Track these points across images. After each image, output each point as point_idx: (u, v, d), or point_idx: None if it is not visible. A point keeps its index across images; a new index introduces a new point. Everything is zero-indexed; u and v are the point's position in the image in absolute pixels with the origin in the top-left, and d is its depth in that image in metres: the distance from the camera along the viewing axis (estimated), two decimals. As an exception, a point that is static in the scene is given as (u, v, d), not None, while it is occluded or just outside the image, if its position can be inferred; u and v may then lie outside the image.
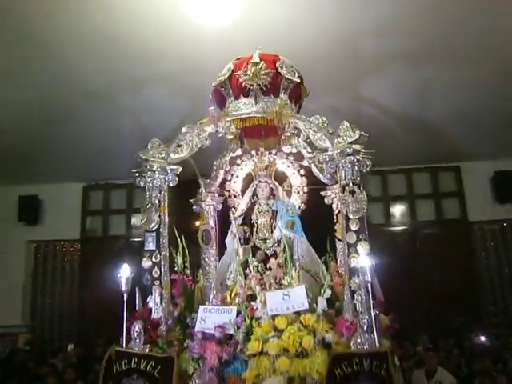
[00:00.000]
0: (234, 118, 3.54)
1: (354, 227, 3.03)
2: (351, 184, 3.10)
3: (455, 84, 5.78)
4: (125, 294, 2.95)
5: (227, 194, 4.26)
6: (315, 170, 4.10)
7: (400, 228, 9.26)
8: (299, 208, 4.10)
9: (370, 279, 2.75)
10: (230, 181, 4.27)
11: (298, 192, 4.18)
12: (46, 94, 5.74)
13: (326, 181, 4.10)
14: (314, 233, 4.01)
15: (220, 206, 4.31)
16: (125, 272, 2.98)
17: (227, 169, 4.25)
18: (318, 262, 3.57)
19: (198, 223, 4.26)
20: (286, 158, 4.17)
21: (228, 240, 3.99)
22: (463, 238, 8.90)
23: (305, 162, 4.14)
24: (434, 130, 6.94)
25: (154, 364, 2.80)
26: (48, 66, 5.24)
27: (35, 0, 4.35)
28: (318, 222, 4.17)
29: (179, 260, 3.69)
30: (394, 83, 5.64)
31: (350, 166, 3.11)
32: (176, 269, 3.66)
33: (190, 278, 3.75)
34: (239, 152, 4.19)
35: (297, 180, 4.19)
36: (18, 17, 4.48)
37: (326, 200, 4.11)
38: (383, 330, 3.10)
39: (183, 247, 3.73)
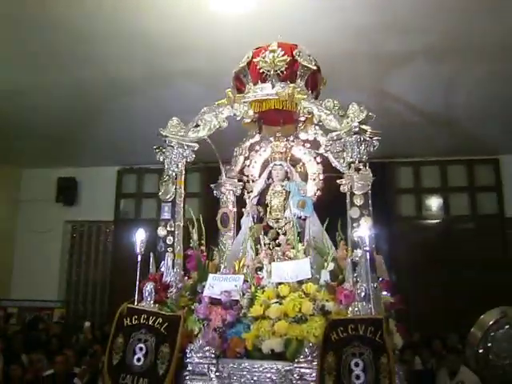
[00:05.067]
0: (251, 99, 3.73)
1: (357, 202, 3.14)
2: (357, 162, 3.21)
3: (482, 79, 5.74)
4: (139, 256, 3.16)
5: (245, 178, 4.44)
6: (331, 158, 4.22)
7: (432, 222, 8.99)
8: (315, 194, 4.22)
9: (368, 248, 2.84)
10: (248, 166, 4.44)
11: (314, 179, 4.30)
12: (82, 81, 6.16)
13: (342, 169, 4.21)
14: (331, 218, 4.12)
15: (239, 191, 4.49)
16: (139, 236, 3.20)
17: (246, 155, 4.44)
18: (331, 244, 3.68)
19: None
20: (303, 145, 4.32)
21: (243, 219, 4.16)
22: (498, 234, 8.56)
23: (321, 150, 4.28)
24: (466, 125, 6.80)
25: (162, 321, 2.98)
26: (81, 53, 5.64)
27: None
28: (334, 208, 4.30)
29: (195, 236, 3.89)
30: (418, 80, 5.68)
31: (356, 144, 3.23)
32: (191, 245, 3.86)
33: (205, 254, 3.95)
34: (258, 138, 4.38)
35: (313, 167, 4.31)
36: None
37: (341, 188, 4.21)
38: (386, 306, 3.17)
39: (199, 225, 3.94)
